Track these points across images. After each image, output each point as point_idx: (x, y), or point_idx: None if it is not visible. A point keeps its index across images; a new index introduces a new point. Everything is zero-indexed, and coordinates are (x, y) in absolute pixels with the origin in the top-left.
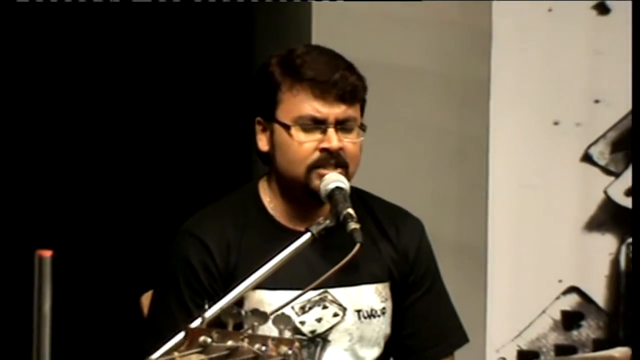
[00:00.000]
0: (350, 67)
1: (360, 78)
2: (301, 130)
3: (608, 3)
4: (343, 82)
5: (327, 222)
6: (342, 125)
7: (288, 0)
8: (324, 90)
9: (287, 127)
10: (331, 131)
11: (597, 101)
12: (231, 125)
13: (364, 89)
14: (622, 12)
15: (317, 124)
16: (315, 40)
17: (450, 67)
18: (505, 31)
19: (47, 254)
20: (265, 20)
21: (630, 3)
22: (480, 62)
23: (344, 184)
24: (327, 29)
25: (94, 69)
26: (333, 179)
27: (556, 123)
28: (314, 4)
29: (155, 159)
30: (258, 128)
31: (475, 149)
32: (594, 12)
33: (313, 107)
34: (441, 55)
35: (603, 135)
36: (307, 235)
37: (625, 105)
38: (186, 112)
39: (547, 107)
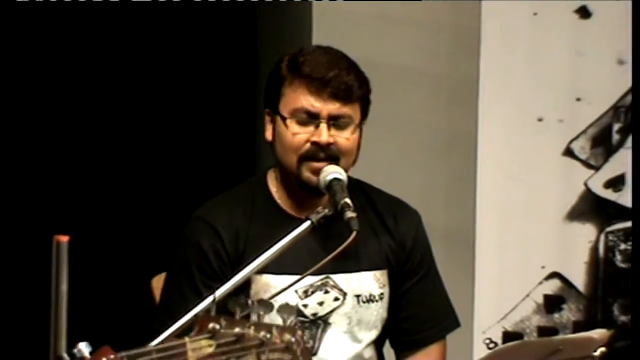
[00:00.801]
0: (350, 68)
1: (360, 79)
2: (296, 123)
3: (589, 7)
4: (337, 80)
5: (326, 211)
6: (335, 122)
7: (289, 0)
8: (319, 86)
9: (284, 119)
10: (323, 126)
11: (578, 99)
12: (238, 120)
13: (362, 89)
14: (603, 15)
15: (311, 118)
16: (316, 39)
17: (442, 66)
18: (493, 33)
19: (65, 239)
20: (268, 20)
21: (611, 7)
22: (470, 62)
23: (342, 175)
24: (327, 28)
25: (110, 67)
26: (331, 171)
27: (540, 120)
28: (315, 4)
29: (168, 152)
30: (267, 119)
31: (465, 143)
32: (576, 16)
33: (308, 101)
34: (433, 55)
35: (584, 132)
36: (307, 224)
37: (605, 103)
38: (197, 108)
39: (531, 104)
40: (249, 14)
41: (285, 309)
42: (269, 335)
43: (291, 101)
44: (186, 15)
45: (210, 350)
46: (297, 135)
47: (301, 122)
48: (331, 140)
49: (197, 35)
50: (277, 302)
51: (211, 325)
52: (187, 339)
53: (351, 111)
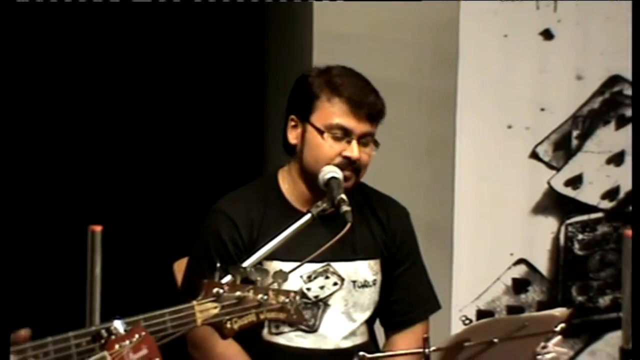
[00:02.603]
0: (377, 93)
1: (383, 103)
2: (331, 138)
3: (552, 30)
4: (373, 104)
5: (324, 205)
6: (362, 139)
7: (289, 0)
8: (357, 108)
9: (320, 132)
10: (355, 143)
11: (542, 109)
12: (249, 119)
13: (384, 113)
14: (563, 37)
15: (345, 135)
16: (317, 38)
17: (425, 81)
18: (469, 52)
19: (98, 228)
20: (276, 20)
21: (571, 30)
22: (449, 77)
23: (338, 174)
24: (327, 29)
25: (128, 68)
26: (329, 170)
27: (509, 127)
28: (315, 4)
29: (185, 151)
30: (290, 124)
31: (444, 147)
32: (540, 38)
33: (345, 120)
34: (417, 71)
35: (547, 137)
36: (308, 216)
37: (565, 112)
38: (209, 108)
39: (502, 114)
40: (257, 15)
41: (278, 274)
42: (265, 297)
43: (328, 116)
44: (195, 16)
45: (216, 311)
46: (332, 149)
47: (336, 137)
48: (360, 155)
49: (206, 36)
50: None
51: (215, 290)
52: (194, 302)
53: (374, 130)
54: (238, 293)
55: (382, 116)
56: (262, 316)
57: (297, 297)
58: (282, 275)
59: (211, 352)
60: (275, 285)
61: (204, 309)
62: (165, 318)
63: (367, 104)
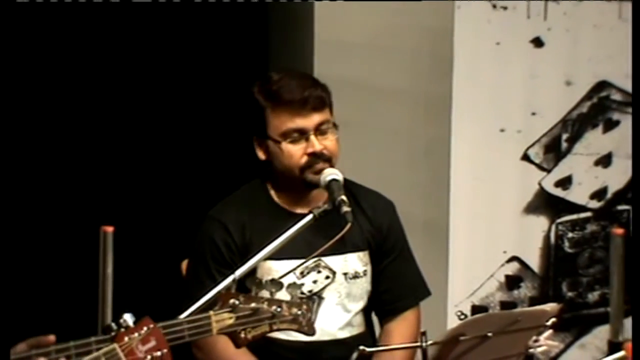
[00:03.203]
0: (315, 83)
1: (324, 89)
2: (289, 143)
3: (542, 38)
4: (315, 96)
5: (326, 206)
6: (319, 130)
7: (289, 0)
8: (301, 106)
9: (277, 142)
10: (312, 137)
11: (533, 113)
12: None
13: (329, 96)
14: (553, 45)
15: (301, 135)
16: (318, 38)
17: (421, 85)
18: (463, 59)
19: (110, 229)
20: (279, 20)
21: (560, 38)
22: (445, 82)
23: (339, 176)
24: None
25: (131, 70)
26: (330, 173)
27: (502, 130)
28: (317, 4)
29: (189, 154)
30: (255, 143)
31: (440, 149)
32: (531, 45)
33: (294, 122)
34: (415, 76)
35: (538, 140)
36: (310, 216)
37: (555, 117)
38: (220, 111)
39: (495, 117)
40: (260, 14)
41: (292, 287)
42: (279, 309)
43: (279, 125)
44: (196, 18)
45: (231, 321)
46: (293, 152)
47: (293, 140)
48: (322, 146)
49: (207, 37)
50: (284, 282)
51: (231, 301)
52: (211, 312)
53: (326, 116)
54: (253, 304)
55: (326, 101)
56: (274, 327)
57: (309, 309)
58: (277, 285)
59: (215, 352)
60: (268, 294)
61: (220, 319)
62: (183, 327)
63: (309, 98)
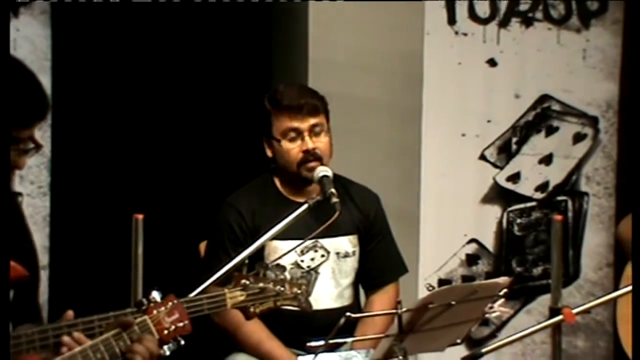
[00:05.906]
0: (312, 93)
1: (320, 99)
2: (287, 141)
3: (496, 59)
4: (308, 103)
5: (318, 197)
6: (313, 131)
7: (288, 0)
8: (297, 110)
9: (278, 141)
10: (307, 137)
11: (489, 121)
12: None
13: (324, 105)
14: (505, 65)
15: (297, 134)
16: (312, 38)
17: (397, 98)
18: (432, 76)
19: (140, 216)
20: (281, 20)
21: (511, 59)
22: (416, 95)
23: (329, 172)
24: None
25: (145, 72)
26: (321, 170)
27: (463, 135)
28: (311, 4)
29: (204, 150)
30: (265, 144)
31: (412, 151)
32: (487, 65)
33: (291, 122)
34: (390, 90)
35: (492, 143)
36: (305, 206)
37: (506, 124)
38: (236, 114)
39: (457, 124)
40: (263, 15)
41: (276, 268)
42: (282, 288)
43: (279, 125)
44: (199, 20)
45: (242, 298)
46: (291, 150)
47: (291, 139)
48: (314, 145)
49: (213, 36)
50: (287, 263)
51: (243, 281)
52: (226, 290)
53: (320, 120)
54: (261, 284)
55: (322, 108)
56: (278, 303)
57: (307, 289)
58: (280, 269)
59: (228, 317)
60: (273, 276)
61: (233, 296)
62: (203, 302)
63: (305, 103)
